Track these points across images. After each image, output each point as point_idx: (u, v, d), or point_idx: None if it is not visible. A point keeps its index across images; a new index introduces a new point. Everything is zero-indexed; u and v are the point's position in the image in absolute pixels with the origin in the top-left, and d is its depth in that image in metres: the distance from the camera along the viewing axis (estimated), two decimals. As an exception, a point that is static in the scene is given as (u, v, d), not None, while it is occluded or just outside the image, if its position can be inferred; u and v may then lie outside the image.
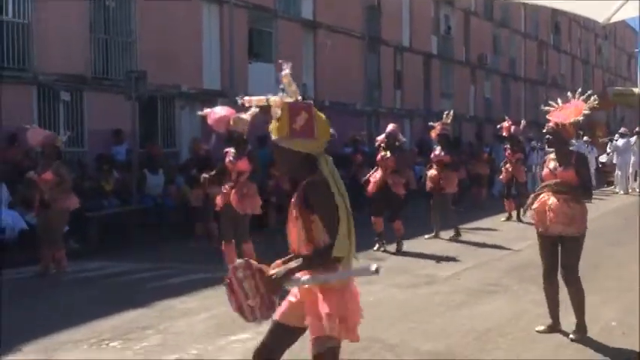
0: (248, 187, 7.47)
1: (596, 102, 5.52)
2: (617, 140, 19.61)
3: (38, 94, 12.66)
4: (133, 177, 11.78)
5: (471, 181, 15.72)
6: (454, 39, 29.42)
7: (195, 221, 11.05)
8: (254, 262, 3.25)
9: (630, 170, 19.40)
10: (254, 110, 7.34)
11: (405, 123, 23.97)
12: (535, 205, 5.49)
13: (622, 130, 19.66)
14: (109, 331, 5.71)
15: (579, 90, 5.70)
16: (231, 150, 7.47)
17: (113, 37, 14.24)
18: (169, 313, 6.34)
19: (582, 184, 5.34)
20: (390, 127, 9.94)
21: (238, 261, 3.32)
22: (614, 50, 54.14)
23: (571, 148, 5.64)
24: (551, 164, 5.46)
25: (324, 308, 3.04)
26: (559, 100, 5.64)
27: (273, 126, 3.16)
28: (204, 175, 7.98)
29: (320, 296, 3.08)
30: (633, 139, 18.94)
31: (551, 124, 5.48)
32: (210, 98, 15.81)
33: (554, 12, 39.53)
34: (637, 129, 19.02)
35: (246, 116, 7.28)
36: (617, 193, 19.08)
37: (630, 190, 19.12)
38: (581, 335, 5.37)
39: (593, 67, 48.47)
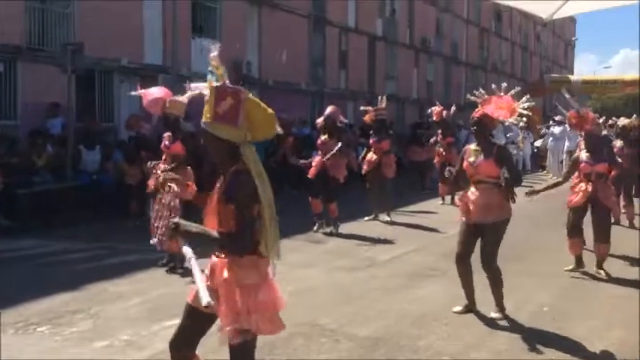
0: (181, 172, 7.20)
1: (530, 103, 5.65)
2: (553, 127, 20.11)
3: (-31, 64, 12.10)
4: (68, 152, 11.40)
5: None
6: (399, 22, 29.53)
7: (130, 200, 10.77)
8: (177, 202, 3.16)
9: (564, 156, 19.96)
10: (191, 93, 7.14)
11: (349, 104, 23.98)
12: (458, 197, 5.67)
13: (559, 117, 20.15)
14: (38, 315, 5.51)
15: (504, 85, 5.80)
16: (168, 134, 7.26)
17: (49, 6, 13.68)
18: (101, 296, 6.17)
19: (510, 177, 5.53)
20: (329, 109, 9.89)
21: (175, 189, 3.20)
22: (552, 38, 55.44)
23: (509, 135, 5.77)
24: (471, 155, 5.57)
25: (242, 304, 2.97)
26: (481, 91, 5.74)
27: (204, 109, 3.07)
28: (150, 162, 7.69)
29: (239, 291, 2.99)
30: (568, 125, 19.42)
31: (477, 115, 5.58)
32: (152, 73, 15.43)
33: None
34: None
35: (182, 99, 7.06)
36: (550, 177, 19.61)
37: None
38: (501, 314, 5.59)
39: (531, 54, 49.54)
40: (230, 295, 3.02)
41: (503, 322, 5.53)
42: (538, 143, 22.13)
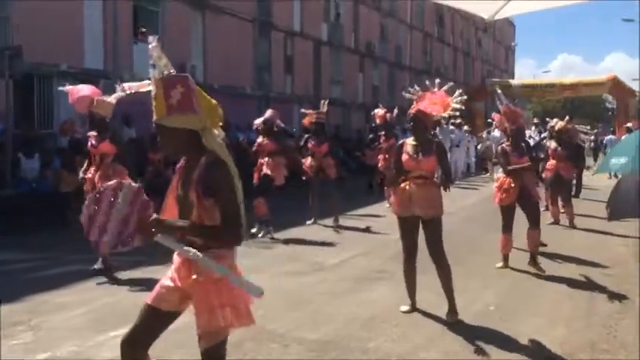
0: (113, 169, 7.07)
1: (462, 97, 5.75)
2: (494, 131, 20.54)
3: None
4: (7, 160, 11.03)
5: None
6: (344, 26, 29.73)
7: (68, 208, 10.44)
8: (144, 195, 3.02)
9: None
10: (120, 94, 7.02)
11: (295, 108, 23.97)
12: (396, 192, 5.76)
13: (499, 121, 20.60)
14: (-25, 328, 5.29)
15: (438, 81, 5.90)
16: (93, 133, 7.11)
17: (-16, 9, 13.24)
18: (43, 307, 5.97)
19: (445, 172, 5.71)
20: (268, 112, 9.93)
21: (132, 184, 3.05)
22: (493, 43, 56.77)
23: (452, 136, 5.86)
24: (410, 150, 5.65)
25: (215, 300, 2.92)
26: (416, 87, 5.84)
27: (154, 106, 2.97)
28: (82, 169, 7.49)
29: (211, 288, 2.94)
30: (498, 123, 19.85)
31: (412, 111, 5.67)
32: (93, 78, 15.07)
33: (439, 5, 41.06)
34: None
35: (110, 99, 6.92)
36: (493, 180, 20.02)
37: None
38: (454, 317, 5.61)
39: (473, 59, 50.63)
40: (204, 293, 2.96)
41: (452, 323, 5.59)
42: (479, 147, 22.63)
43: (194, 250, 2.93)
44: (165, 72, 2.97)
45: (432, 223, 5.62)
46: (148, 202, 3.00)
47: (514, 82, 33.25)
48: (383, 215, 12.24)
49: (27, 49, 11.63)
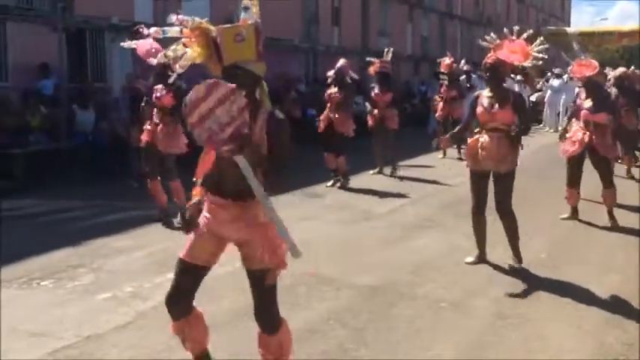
0: (172, 126, 7.17)
1: (545, 46, 5.52)
2: (552, 80, 20.02)
3: (-44, 24, 11.87)
4: (62, 112, 11.30)
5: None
6: (392, -24, 29.10)
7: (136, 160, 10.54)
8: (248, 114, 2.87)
9: (560, 109, 19.94)
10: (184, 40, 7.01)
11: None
12: (468, 142, 5.63)
13: (557, 70, 20.05)
14: (39, 269, 5.53)
15: (516, 28, 5.68)
16: (160, 86, 7.17)
17: (36, -37, 13.37)
18: (102, 251, 6.19)
19: (524, 123, 5.45)
20: (341, 62, 9.80)
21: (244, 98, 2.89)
22: (548, -10, 54.78)
23: (504, 86, 5.67)
24: (486, 102, 5.49)
25: (271, 239, 3.05)
26: (493, 35, 5.61)
27: (231, 47, 2.98)
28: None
29: (268, 229, 3.05)
30: (566, 77, 19.35)
31: (490, 60, 5.47)
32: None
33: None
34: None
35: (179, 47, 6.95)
36: (546, 130, 19.61)
37: (559, 128, 19.68)
38: (517, 263, 5.59)
39: (527, 6, 48.99)
40: (262, 235, 3.07)
41: (503, 270, 5.58)
42: (534, 97, 22.04)
43: (262, 190, 2.94)
44: (255, 19, 3.07)
45: (502, 177, 5.47)
46: (247, 122, 2.87)
47: (570, 30, 32.10)
48: (433, 166, 12.16)
49: (78, 3, 11.76)
